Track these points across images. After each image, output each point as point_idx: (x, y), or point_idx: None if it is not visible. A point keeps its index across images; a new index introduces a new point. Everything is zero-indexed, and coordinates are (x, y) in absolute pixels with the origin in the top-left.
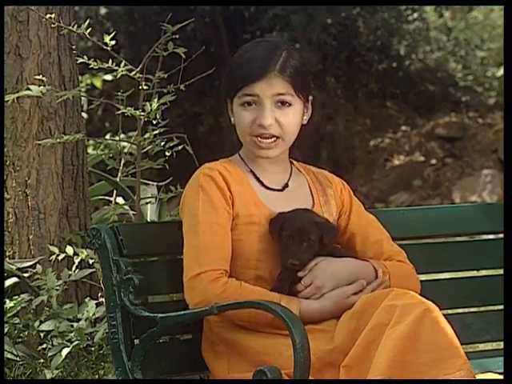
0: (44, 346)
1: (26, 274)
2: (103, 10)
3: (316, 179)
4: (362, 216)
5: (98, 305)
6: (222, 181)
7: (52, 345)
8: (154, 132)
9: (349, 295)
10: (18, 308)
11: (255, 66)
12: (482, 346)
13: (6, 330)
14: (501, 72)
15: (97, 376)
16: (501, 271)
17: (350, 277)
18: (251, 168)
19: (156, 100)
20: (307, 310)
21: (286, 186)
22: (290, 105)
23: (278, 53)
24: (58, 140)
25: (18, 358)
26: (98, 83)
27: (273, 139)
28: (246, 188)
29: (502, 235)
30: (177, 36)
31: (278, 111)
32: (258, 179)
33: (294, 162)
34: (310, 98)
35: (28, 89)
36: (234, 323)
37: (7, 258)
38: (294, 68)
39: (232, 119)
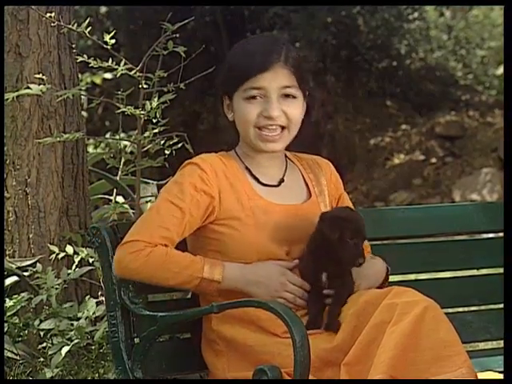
0: (44, 344)
1: (26, 273)
2: (103, 9)
3: (310, 169)
4: (349, 205)
5: (98, 303)
6: (211, 173)
7: (52, 343)
8: (154, 131)
9: (282, 290)
10: (18, 307)
11: (259, 57)
12: (482, 345)
13: (5, 328)
14: (501, 70)
15: (97, 375)
16: (501, 270)
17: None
18: (247, 165)
19: (156, 99)
20: (229, 273)
21: (282, 180)
22: (294, 97)
23: (280, 44)
24: (58, 139)
25: (18, 357)
26: (97, 80)
27: (278, 131)
28: (241, 181)
29: (501, 234)
30: (177, 35)
31: (283, 103)
32: (253, 176)
33: (287, 153)
34: (307, 92)
35: (28, 87)
36: (233, 322)
37: (7, 257)
38: (295, 60)
39: (229, 116)
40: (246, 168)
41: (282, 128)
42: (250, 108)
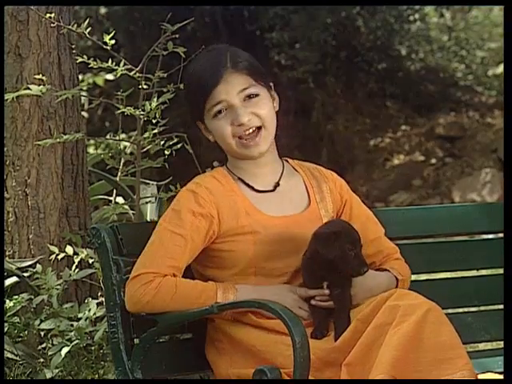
0: (44, 345)
1: (25, 274)
2: (103, 10)
3: (312, 175)
4: (363, 211)
5: (98, 304)
6: (207, 196)
7: (52, 344)
8: (154, 131)
9: (296, 306)
10: (18, 307)
11: (207, 73)
12: (481, 346)
13: (5, 329)
14: (500, 69)
15: (97, 375)
16: (501, 271)
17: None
18: (239, 176)
19: (156, 99)
20: (243, 295)
21: (278, 184)
22: (257, 95)
23: (222, 53)
24: (58, 140)
25: (17, 358)
26: (99, 81)
27: (255, 133)
28: (240, 197)
29: (501, 235)
30: (176, 35)
31: (249, 105)
32: (247, 185)
33: (289, 160)
34: (271, 84)
35: (28, 88)
36: (237, 320)
37: (7, 258)
38: (244, 60)
39: (210, 137)
40: (239, 179)
41: (258, 128)
42: (221, 123)
